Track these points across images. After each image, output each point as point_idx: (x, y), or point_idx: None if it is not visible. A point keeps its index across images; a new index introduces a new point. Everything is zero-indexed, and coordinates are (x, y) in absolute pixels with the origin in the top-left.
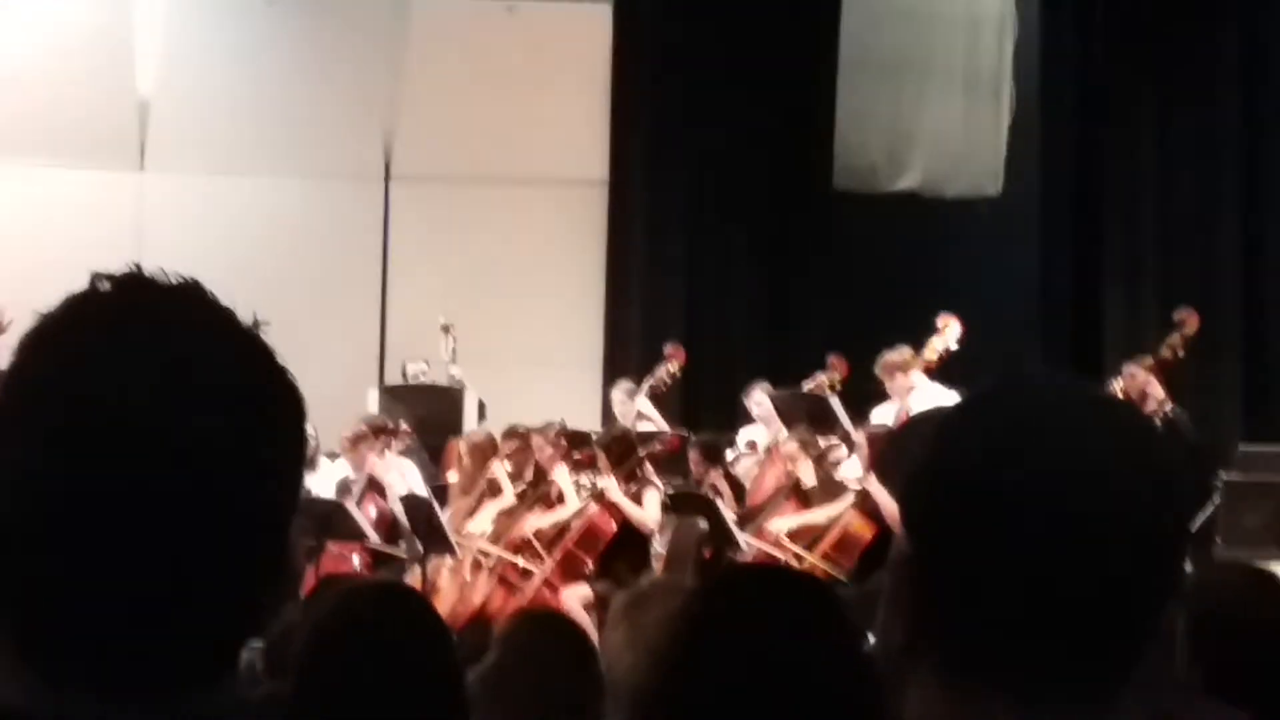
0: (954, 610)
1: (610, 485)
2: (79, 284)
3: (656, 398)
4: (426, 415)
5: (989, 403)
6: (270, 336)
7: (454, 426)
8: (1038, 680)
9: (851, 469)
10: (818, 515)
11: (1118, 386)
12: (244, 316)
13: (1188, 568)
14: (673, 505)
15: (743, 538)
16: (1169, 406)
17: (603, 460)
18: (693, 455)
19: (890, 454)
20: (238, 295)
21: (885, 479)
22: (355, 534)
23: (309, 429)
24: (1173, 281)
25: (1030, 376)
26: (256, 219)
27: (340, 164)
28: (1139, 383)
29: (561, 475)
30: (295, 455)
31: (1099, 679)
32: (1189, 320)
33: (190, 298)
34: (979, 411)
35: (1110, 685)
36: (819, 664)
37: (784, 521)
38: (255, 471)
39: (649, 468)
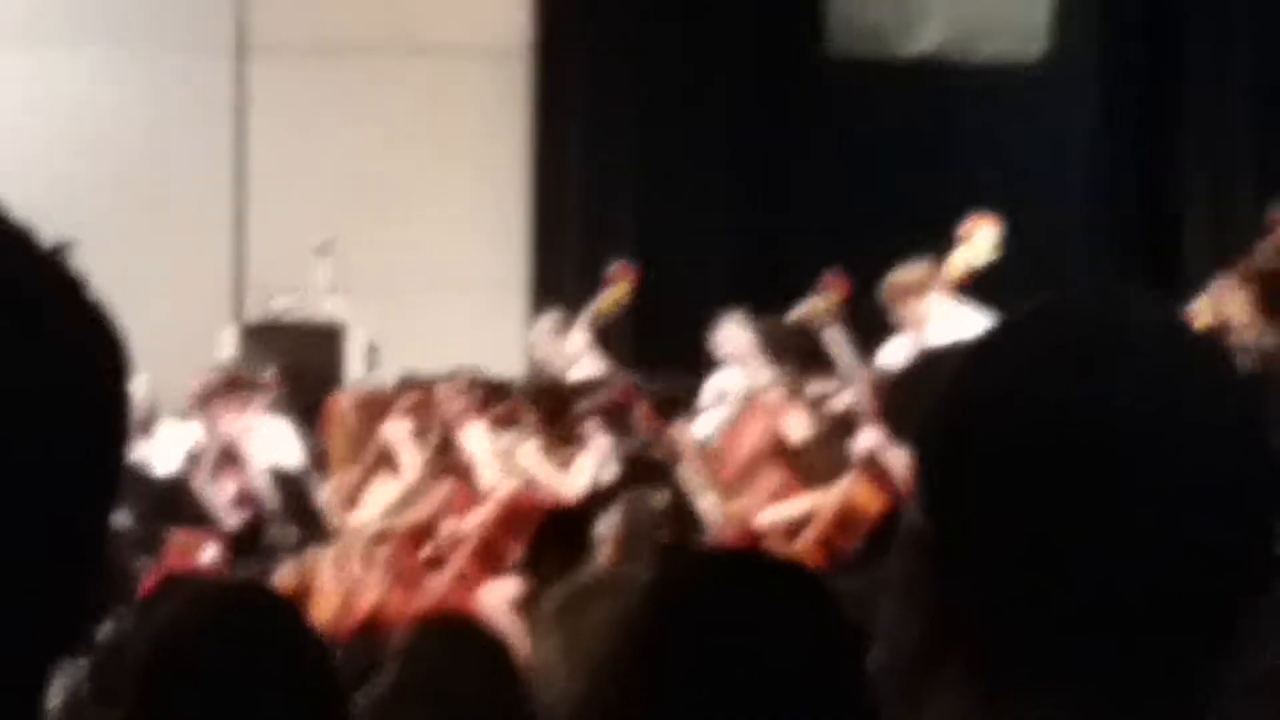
0: (987, 601)
1: (525, 448)
2: None
3: (599, 333)
4: (299, 361)
5: (1028, 331)
6: (85, 260)
7: (334, 376)
8: (1101, 685)
9: (862, 438)
10: (811, 501)
11: (1202, 308)
12: (47, 234)
13: None
14: (623, 473)
15: (712, 516)
16: (1259, 334)
17: (528, 417)
18: (645, 408)
19: (901, 401)
20: (46, 206)
21: (896, 433)
22: (207, 518)
23: (140, 382)
24: (1272, 170)
25: (1081, 296)
26: (67, 105)
27: (178, 32)
28: (1225, 303)
29: (475, 437)
30: (113, 416)
31: (1179, 682)
32: None
33: None
34: (1015, 343)
35: (1195, 690)
36: (807, 679)
37: (773, 511)
38: (54, 438)
39: (593, 426)
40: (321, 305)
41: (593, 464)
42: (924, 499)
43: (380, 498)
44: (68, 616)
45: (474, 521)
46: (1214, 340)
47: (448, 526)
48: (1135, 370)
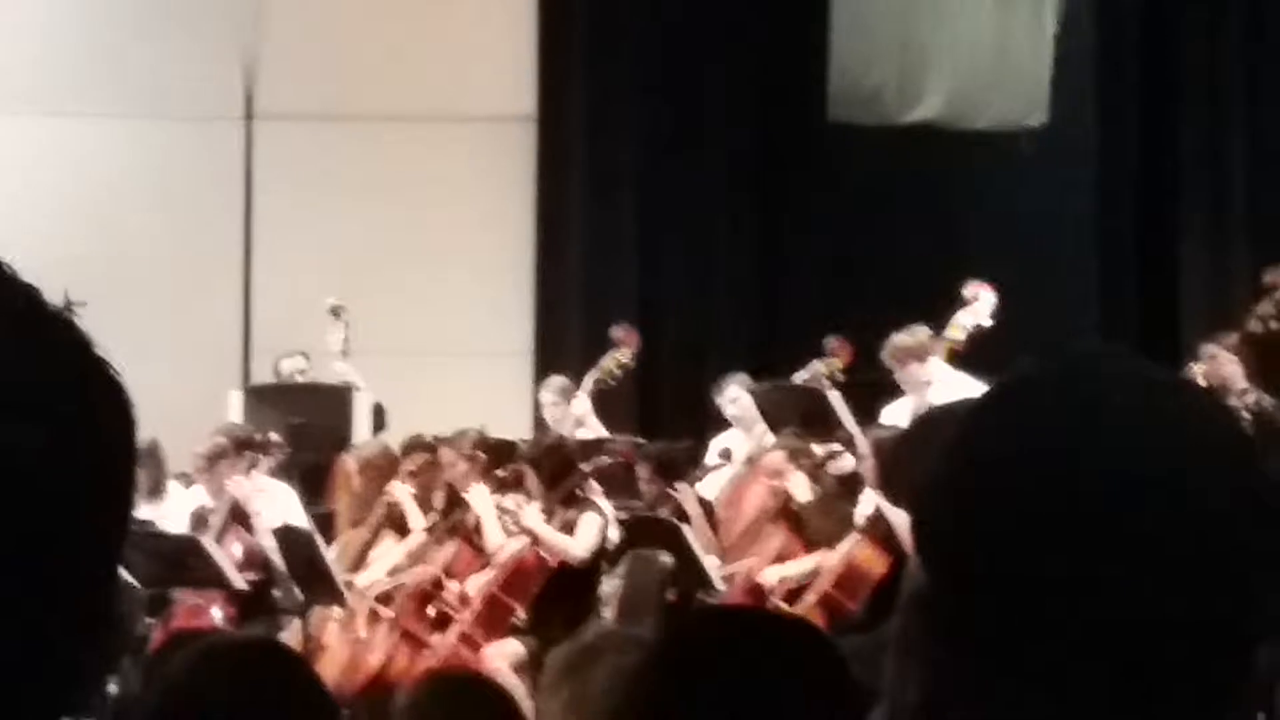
0: (988, 661)
1: (529, 511)
2: None
3: (602, 397)
4: (306, 424)
5: (1026, 390)
6: (93, 322)
7: (342, 438)
8: None
9: (866, 501)
10: (816, 560)
11: (1197, 371)
12: (55, 298)
13: None
14: (627, 536)
15: (718, 575)
16: (1255, 396)
17: (532, 479)
18: (642, 470)
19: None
20: (55, 270)
21: (896, 493)
22: (215, 579)
23: (146, 443)
24: (1266, 234)
25: (1079, 356)
26: (75, 171)
27: (188, 99)
28: (1220, 365)
29: (480, 499)
30: (119, 477)
31: None
32: None
33: None
34: (1013, 402)
35: None
36: None
37: (776, 570)
38: (59, 498)
39: (594, 487)
40: (330, 368)
41: (597, 525)
42: (923, 559)
43: (387, 558)
44: (72, 673)
45: (479, 582)
46: (1213, 396)
47: (453, 587)
48: (1137, 427)
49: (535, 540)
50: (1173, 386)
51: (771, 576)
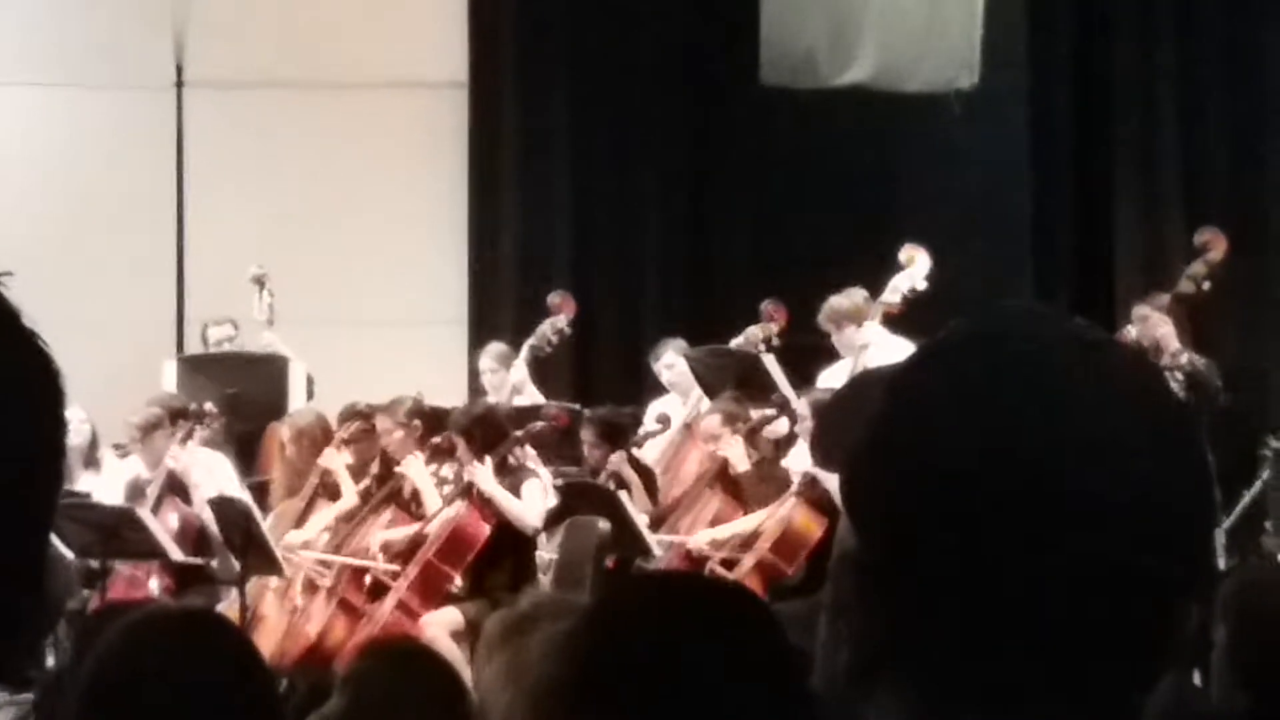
0: (916, 620)
1: (481, 474)
2: None
3: (540, 363)
4: (241, 393)
5: (955, 350)
6: (23, 293)
7: (275, 407)
8: (1029, 703)
9: (798, 456)
10: (750, 521)
11: (1130, 333)
12: None
13: (1222, 563)
14: (564, 500)
15: (655, 541)
16: (1187, 356)
17: (463, 448)
18: (587, 435)
19: (832, 425)
20: None
21: (827, 457)
22: (151, 550)
23: (78, 414)
24: (1199, 196)
25: (1007, 315)
26: (3, 141)
27: (118, 68)
28: (1154, 326)
29: (415, 467)
30: (47, 447)
31: (1106, 701)
32: (1215, 243)
33: None
34: (941, 363)
35: (1122, 709)
36: (749, 703)
37: (707, 533)
38: None
39: (529, 452)
40: (258, 337)
41: (540, 491)
42: (853, 519)
43: (320, 527)
44: (14, 645)
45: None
46: (1143, 356)
47: (389, 555)
48: (1062, 387)
49: (488, 506)
50: (1102, 344)
51: (701, 540)
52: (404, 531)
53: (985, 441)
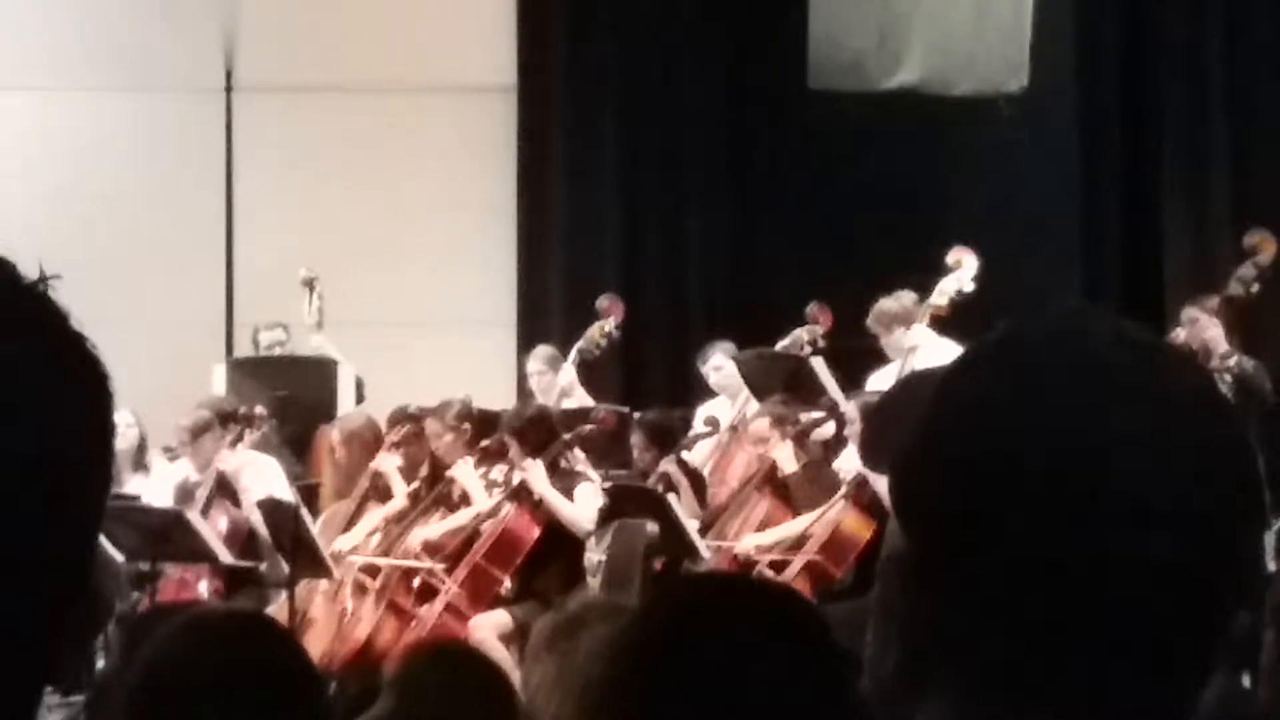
0: (963, 621)
1: (535, 474)
2: None
3: (588, 366)
4: (290, 396)
5: (1004, 351)
6: (73, 296)
7: (324, 410)
8: (1078, 708)
9: (847, 459)
10: (798, 524)
11: (1179, 335)
12: (33, 269)
13: (1272, 565)
14: (612, 503)
15: (704, 544)
16: (1236, 358)
17: (515, 449)
18: (636, 438)
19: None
20: (36, 244)
21: (876, 459)
22: (201, 553)
23: (126, 418)
24: (1249, 197)
25: (1055, 316)
26: (54, 146)
27: (168, 72)
28: (1202, 329)
29: (464, 470)
30: (95, 450)
31: (1154, 703)
32: (1264, 246)
33: None
34: (989, 365)
35: (1170, 711)
36: (798, 705)
37: (754, 538)
38: (35, 472)
39: (578, 455)
40: (308, 340)
41: (593, 494)
42: (902, 521)
43: (370, 530)
44: (50, 642)
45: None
46: (1192, 358)
47: (433, 555)
48: (1111, 389)
49: (538, 509)
50: (1151, 346)
51: (748, 545)
52: (443, 527)
53: (1033, 443)
